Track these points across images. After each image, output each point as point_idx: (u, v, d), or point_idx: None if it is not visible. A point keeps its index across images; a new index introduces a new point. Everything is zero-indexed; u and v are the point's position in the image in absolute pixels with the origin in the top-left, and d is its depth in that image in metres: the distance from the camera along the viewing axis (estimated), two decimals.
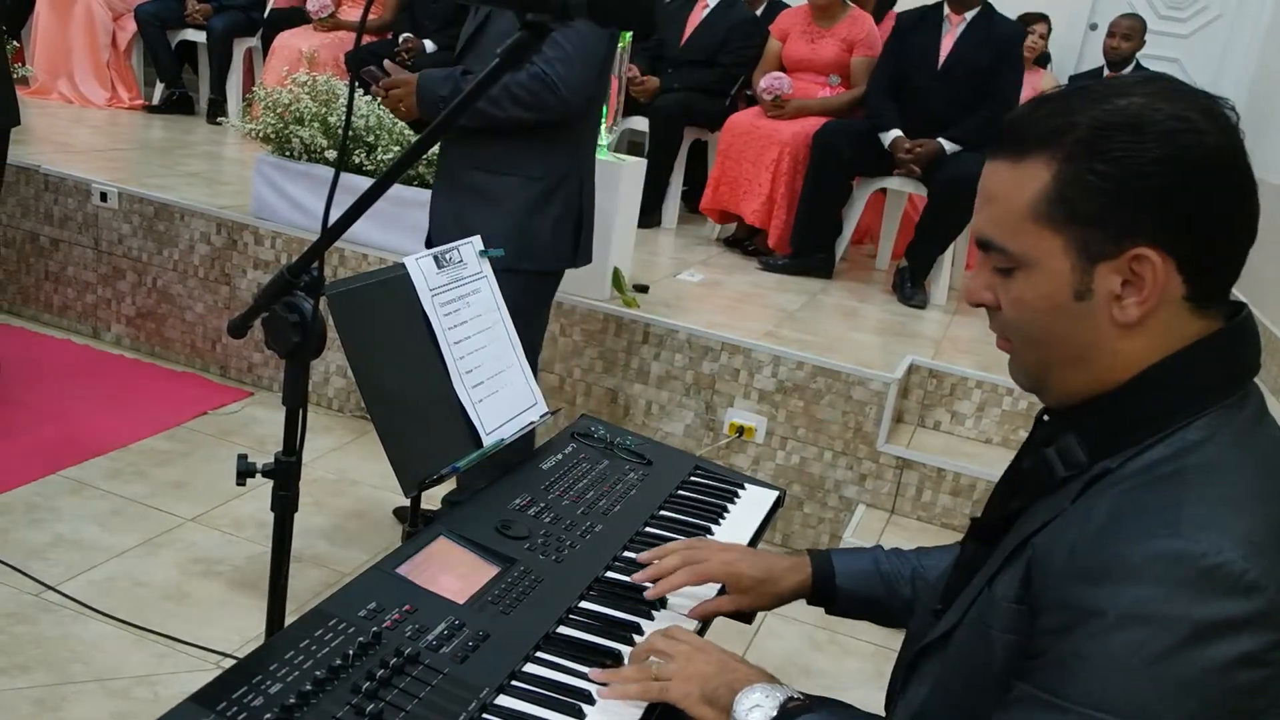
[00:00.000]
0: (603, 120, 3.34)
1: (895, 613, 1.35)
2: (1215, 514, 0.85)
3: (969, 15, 4.30)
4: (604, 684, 1.15)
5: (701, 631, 1.34)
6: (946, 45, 4.30)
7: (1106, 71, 5.38)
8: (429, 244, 2.62)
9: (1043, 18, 5.70)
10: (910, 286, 4.33)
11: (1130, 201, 0.90)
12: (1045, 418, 1.06)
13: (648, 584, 1.34)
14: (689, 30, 5.12)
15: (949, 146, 4.23)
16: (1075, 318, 0.95)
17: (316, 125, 3.65)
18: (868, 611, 1.37)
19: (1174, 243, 0.90)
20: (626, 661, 1.21)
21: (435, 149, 3.56)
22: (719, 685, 1.10)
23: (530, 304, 2.57)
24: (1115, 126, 0.90)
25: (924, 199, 4.48)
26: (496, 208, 2.47)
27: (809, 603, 1.38)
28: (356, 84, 2.32)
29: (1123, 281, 0.92)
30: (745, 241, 4.87)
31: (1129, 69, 5.32)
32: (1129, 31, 5.38)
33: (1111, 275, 0.92)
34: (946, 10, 4.34)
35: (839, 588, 1.35)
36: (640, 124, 5.08)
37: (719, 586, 1.38)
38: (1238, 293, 0.99)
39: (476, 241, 1.65)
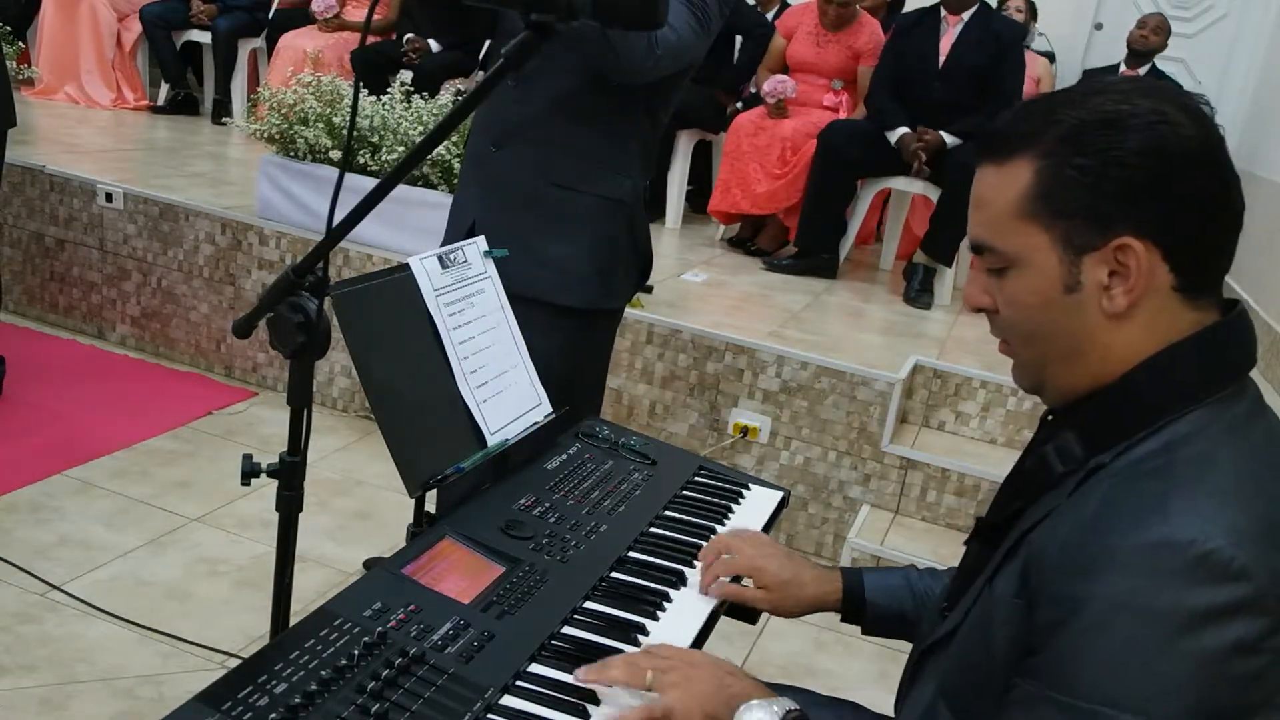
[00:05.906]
0: None
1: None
2: (1202, 504, 0.86)
3: (966, 16, 4.31)
4: (596, 681, 1.11)
5: (711, 622, 1.33)
6: (945, 46, 4.31)
7: (1124, 68, 5.42)
8: None
9: None
10: (920, 283, 4.32)
11: (1110, 193, 0.93)
12: (1049, 418, 1.08)
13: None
14: None
15: (950, 140, 4.23)
16: (1067, 311, 0.98)
17: (321, 126, 3.66)
18: (899, 629, 1.37)
19: (1156, 232, 0.93)
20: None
21: (452, 146, 3.54)
22: (719, 705, 1.09)
23: (606, 348, 2.33)
24: (1094, 123, 0.94)
25: (925, 200, 4.48)
26: (575, 235, 2.06)
27: (842, 619, 1.39)
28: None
29: (1110, 272, 0.95)
30: (748, 242, 4.87)
31: (1148, 66, 5.36)
32: (1157, 27, 5.47)
33: (1098, 266, 0.95)
34: (943, 11, 4.34)
35: (868, 602, 1.36)
36: None
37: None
38: (1242, 293, 1.00)
39: (481, 241, 1.65)
